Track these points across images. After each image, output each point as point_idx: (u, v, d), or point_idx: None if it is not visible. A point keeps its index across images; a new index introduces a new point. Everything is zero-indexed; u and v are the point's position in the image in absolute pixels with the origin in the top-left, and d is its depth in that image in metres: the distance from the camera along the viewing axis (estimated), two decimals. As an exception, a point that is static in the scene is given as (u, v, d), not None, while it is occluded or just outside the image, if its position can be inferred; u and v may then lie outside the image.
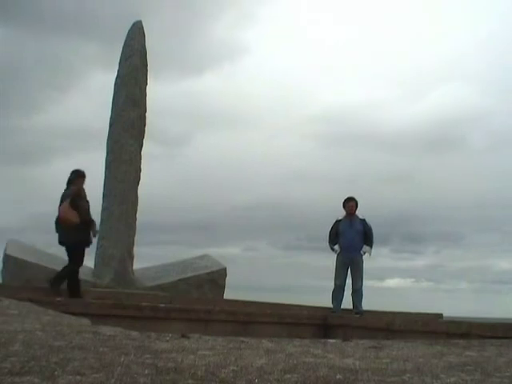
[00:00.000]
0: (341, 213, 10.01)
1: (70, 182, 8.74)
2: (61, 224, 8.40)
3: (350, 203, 9.92)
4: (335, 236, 9.83)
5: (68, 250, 8.50)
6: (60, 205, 8.51)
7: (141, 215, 10.53)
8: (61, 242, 8.52)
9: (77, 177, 8.79)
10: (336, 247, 9.79)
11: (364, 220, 9.89)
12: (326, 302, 9.90)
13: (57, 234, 8.53)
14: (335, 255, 9.84)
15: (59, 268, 9.65)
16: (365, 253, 9.71)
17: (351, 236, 9.69)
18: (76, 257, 8.47)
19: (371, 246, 9.80)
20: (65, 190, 8.74)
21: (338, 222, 9.91)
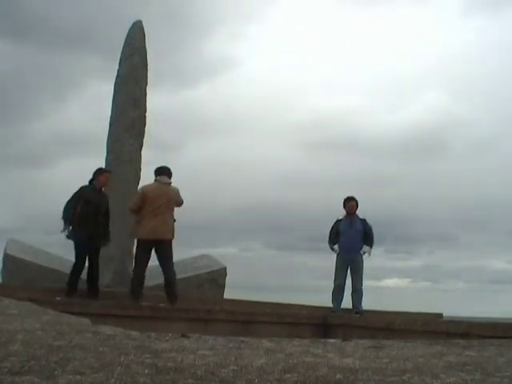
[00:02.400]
0: (341, 212, 9.99)
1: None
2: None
3: (351, 203, 9.90)
4: (335, 236, 9.81)
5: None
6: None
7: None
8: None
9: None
10: (335, 247, 9.78)
11: (364, 220, 9.87)
12: (326, 301, 9.91)
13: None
14: (333, 255, 9.83)
15: (59, 268, 9.66)
16: (365, 253, 9.70)
17: (351, 236, 9.67)
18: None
19: (371, 246, 9.79)
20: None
21: (338, 221, 9.89)
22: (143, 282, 8.15)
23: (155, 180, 8.36)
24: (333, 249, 9.81)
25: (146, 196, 8.08)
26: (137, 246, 8.31)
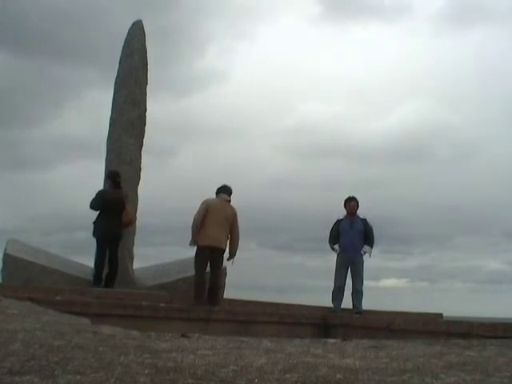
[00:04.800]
0: (341, 212, 9.96)
1: (117, 184, 9.41)
2: (124, 225, 9.36)
3: (351, 203, 9.87)
4: (336, 236, 9.79)
5: (109, 245, 9.23)
6: (104, 202, 9.14)
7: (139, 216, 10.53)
8: (105, 237, 9.23)
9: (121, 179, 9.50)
10: (336, 247, 9.75)
11: (365, 219, 9.84)
12: (325, 301, 9.90)
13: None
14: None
15: (59, 268, 9.65)
16: (365, 253, 9.67)
17: (351, 236, 9.65)
18: (116, 250, 9.27)
19: (372, 246, 9.76)
20: (109, 189, 9.38)
21: (338, 221, 9.87)
22: (205, 283, 8.66)
23: (217, 196, 8.98)
24: (333, 248, 9.79)
25: (208, 208, 8.71)
26: (197, 252, 8.77)
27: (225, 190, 9.02)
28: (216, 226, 8.66)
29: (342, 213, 9.96)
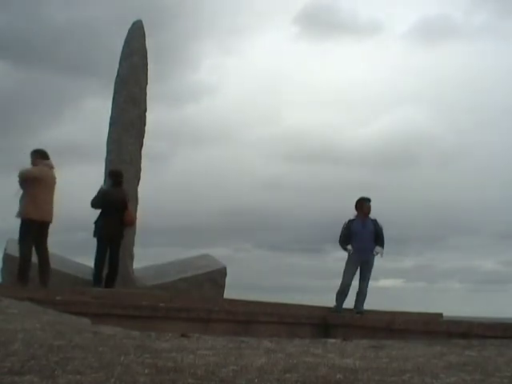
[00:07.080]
0: (352, 213, 9.81)
1: (119, 183, 9.35)
2: (126, 224, 9.28)
3: (368, 204, 9.72)
4: (348, 236, 9.65)
5: (110, 244, 9.16)
6: (109, 202, 9.04)
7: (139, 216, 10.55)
8: (106, 237, 9.12)
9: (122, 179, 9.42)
10: (349, 247, 9.58)
11: (375, 220, 9.74)
12: (325, 301, 9.89)
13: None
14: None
15: (59, 268, 9.65)
16: (377, 253, 9.58)
17: (364, 237, 9.52)
18: (118, 249, 9.25)
19: (383, 247, 9.66)
20: (111, 188, 9.30)
21: (350, 221, 9.74)
22: (30, 261, 8.31)
23: (44, 164, 8.41)
24: (346, 249, 9.57)
25: (38, 178, 8.25)
26: (27, 227, 8.32)
27: (48, 156, 8.53)
28: (46, 197, 8.27)
29: (352, 213, 9.78)
